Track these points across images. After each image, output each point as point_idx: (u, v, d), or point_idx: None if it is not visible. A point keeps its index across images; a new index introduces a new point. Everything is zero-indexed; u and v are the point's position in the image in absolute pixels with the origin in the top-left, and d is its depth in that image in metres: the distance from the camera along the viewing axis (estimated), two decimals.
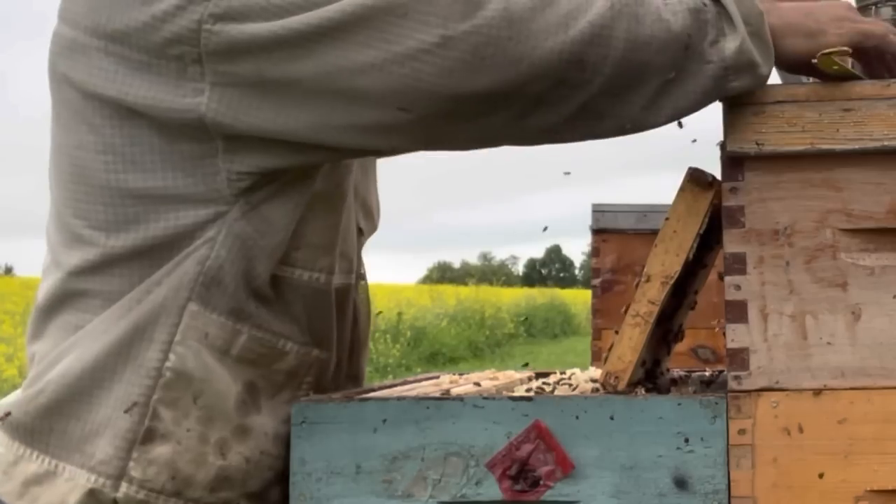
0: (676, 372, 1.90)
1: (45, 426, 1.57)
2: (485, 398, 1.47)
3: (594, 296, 4.98)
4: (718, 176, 1.49)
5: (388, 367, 14.20)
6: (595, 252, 4.99)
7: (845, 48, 1.47)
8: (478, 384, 1.75)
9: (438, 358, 16.84)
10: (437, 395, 1.55)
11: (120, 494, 1.52)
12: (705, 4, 1.46)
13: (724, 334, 1.47)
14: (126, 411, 1.52)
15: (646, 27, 1.43)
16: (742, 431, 1.43)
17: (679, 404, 1.44)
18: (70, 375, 1.56)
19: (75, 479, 1.53)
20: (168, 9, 1.48)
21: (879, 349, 1.43)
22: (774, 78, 1.79)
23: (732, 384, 1.44)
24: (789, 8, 1.52)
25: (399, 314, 17.34)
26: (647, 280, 1.51)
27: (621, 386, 1.50)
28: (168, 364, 1.53)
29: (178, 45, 1.48)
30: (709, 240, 1.59)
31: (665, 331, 1.70)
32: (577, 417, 1.45)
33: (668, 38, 1.43)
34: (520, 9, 1.40)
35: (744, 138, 1.45)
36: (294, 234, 1.57)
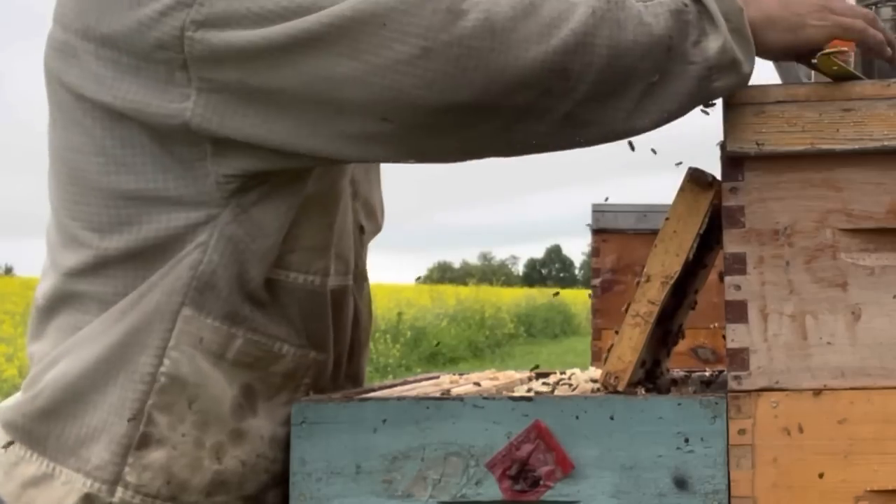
0: (676, 372, 1.90)
1: (43, 429, 1.57)
2: (485, 398, 1.47)
3: (594, 296, 4.97)
4: (718, 176, 1.49)
5: (388, 367, 14.20)
6: (595, 252, 4.99)
7: (845, 48, 1.47)
8: (478, 384, 1.75)
9: (438, 358, 16.84)
10: (437, 395, 1.55)
11: (116, 499, 1.52)
12: (686, 5, 1.44)
13: (723, 335, 1.47)
14: (129, 420, 1.52)
15: (628, 32, 1.42)
16: (742, 431, 1.43)
17: (679, 404, 1.44)
18: (65, 380, 1.56)
19: (72, 483, 1.53)
20: (153, 14, 1.47)
21: (879, 349, 1.43)
22: (774, 78, 1.79)
23: (732, 384, 1.44)
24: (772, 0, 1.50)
25: (399, 314, 17.34)
26: (647, 280, 1.51)
27: (621, 386, 1.50)
28: (162, 369, 1.53)
29: (164, 51, 1.48)
30: (709, 240, 1.59)
31: (665, 331, 1.70)
32: (577, 417, 1.45)
33: (651, 42, 1.42)
34: (501, 18, 1.39)
35: (744, 138, 1.45)
36: (288, 236, 1.57)
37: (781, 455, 1.42)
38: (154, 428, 1.52)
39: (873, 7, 1.72)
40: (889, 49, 1.54)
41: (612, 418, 1.45)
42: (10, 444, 1.58)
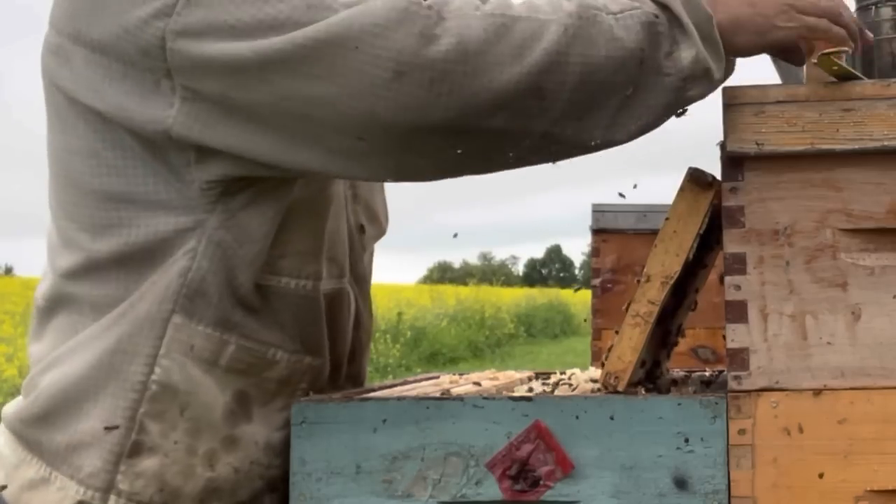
0: (676, 372, 1.90)
1: (38, 434, 1.58)
2: (485, 398, 1.47)
3: (594, 296, 4.97)
4: (718, 176, 1.49)
5: (388, 367, 14.20)
6: (595, 252, 4.99)
7: (845, 49, 1.47)
8: (478, 384, 1.75)
9: (438, 358, 16.83)
10: (437, 395, 1.55)
11: None
12: (657, 16, 1.44)
13: (723, 335, 1.47)
14: (107, 429, 1.52)
15: (600, 48, 1.41)
16: (742, 431, 1.43)
17: (679, 404, 1.44)
18: (58, 387, 1.57)
19: (66, 490, 1.54)
20: (137, 21, 1.47)
21: (879, 349, 1.43)
22: (774, 78, 1.79)
23: (732, 384, 1.44)
24: (737, 0, 1.49)
25: (399, 314, 17.33)
26: (647, 280, 1.51)
27: (621, 386, 1.50)
28: (153, 377, 1.53)
29: (149, 59, 1.48)
30: (709, 240, 1.59)
31: (665, 331, 1.70)
32: (577, 417, 1.45)
33: (623, 56, 1.41)
34: (474, 40, 1.38)
35: (744, 138, 1.45)
36: (278, 241, 1.57)
37: (781, 455, 1.42)
38: (146, 436, 1.52)
39: (873, 7, 1.72)
40: (852, 43, 1.52)
41: (612, 418, 1.45)
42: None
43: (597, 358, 4.58)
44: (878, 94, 1.44)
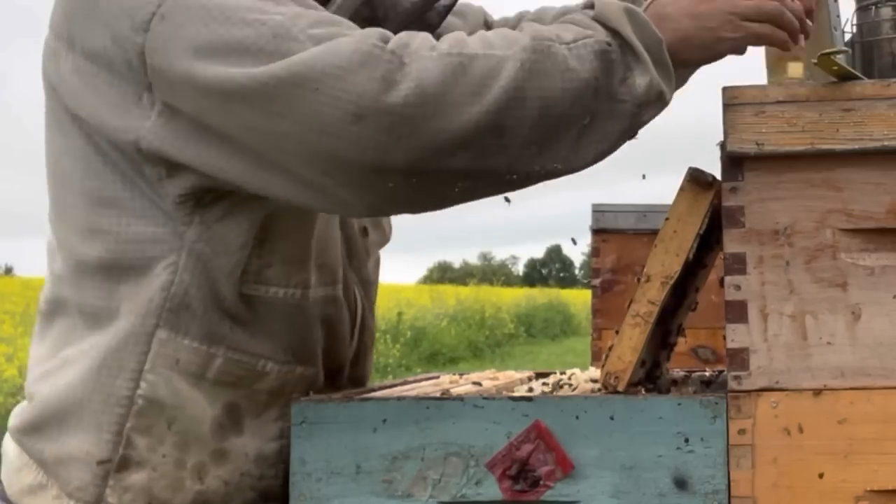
0: (676, 372, 1.90)
1: (33, 443, 1.60)
2: (485, 398, 1.47)
3: (594, 296, 4.97)
4: (718, 176, 1.49)
5: (388, 367, 14.19)
6: (595, 252, 4.99)
7: (845, 49, 1.47)
8: (478, 384, 1.75)
9: (438, 358, 16.83)
10: (437, 395, 1.55)
11: None
12: (609, 44, 1.44)
13: (724, 335, 1.47)
14: (108, 443, 1.53)
15: (556, 81, 1.41)
16: (742, 431, 1.43)
17: (679, 404, 1.44)
18: (48, 399, 1.59)
19: (61, 499, 1.56)
20: (124, 34, 1.48)
21: (879, 349, 1.43)
22: None
23: (732, 384, 1.44)
24: (681, 14, 1.50)
25: (399, 314, 17.33)
26: (647, 280, 1.51)
27: (621, 386, 1.50)
28: (139, 392, 1.53)
29: (133, 72, 1.49)
30: (709, 240, 1.59)
31: (665, 331, 1.70)
32: (577, 417, 1.45)
33: (579, 87, 1.42)
34: (433, 83, 1.37)
35: (744, 138, 1.45)
36: (264, 251, 1.56)
37: (781, 455, 1.42)
38: (133, 450, 1.53)
39: (873, 7, 1.72)
40: (793, 43, 1.53)
41: (612, 418, 1.45)
42: None
43: (597, 358, 4.58)
44: (878, 94, 1.44)
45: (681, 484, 1.43)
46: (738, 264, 1.45)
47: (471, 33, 1.47)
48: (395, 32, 1.57)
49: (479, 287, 28.84)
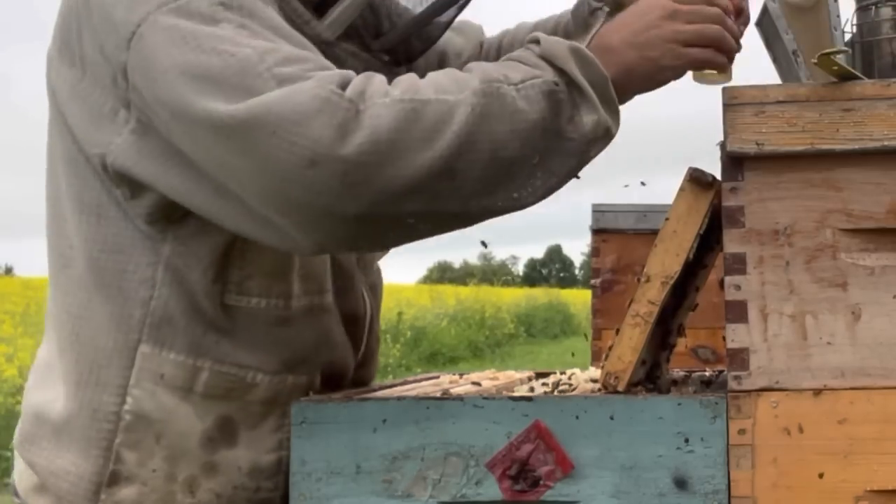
0: (676, 372, 1.90)
1: (30, 456, 1.62)
2: (485, 398, 1.47)
3: (594, 296, 4.97)
4: (718, 176, 1.49)
5: (388, 367, 14.19)
6: (595, 252, 4.98)
7: (845, 49, 1.47)
8: (478, 384, 1.75)
9: (438, 358, 16.83)
10: (437, 395, 1.55)
11: None
12: (556, 83, 1.45)
13: (724, 335, 1.47)
14: (98, 459, 1.55)
15: (506, 124, 1.42)
16: (742, 431, 1.43)
17: (679, 404, 1.44)
18: (39, 413, 1.61)
19: None
20: (109, 48, 1.49)
21: (879, 349, 1.43)
22: (774, 78, 1.79)
23: (732, 384, 1.44)
24: (625, 45, 1.52)
25: (399, 314, 17.33)
26: (647, 280, 1.51)
27: (621, 386, 1.50)
28: (126, 407, 1.54)
29: (116, 87, 1.49)
30: (709, 240, 1.59)
31: (665, 331, 1.69)
32: (577, 417, 1.45)
33: (528, 128, 1.43)
34: (385, 130, 1.37)
35: (744, 138, 1.45)
36: (245, 262, 1.57)
37: (781, 455, 1.42)
38: (122, 465, 1.54)
39: (873, 7, 1.72)
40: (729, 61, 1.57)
41: (612, 418, 1.44)
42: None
43: (597, 358, 4.58)
44: (878, 94, 1.44)
45: (681, 484, 1.43)
46: (738, 264, 1.45)
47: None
48: (398, 43, 1.59)
49: (479, 287, 28.83)
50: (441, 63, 1.88)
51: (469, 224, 1.48)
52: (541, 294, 30.73)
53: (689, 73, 1.58)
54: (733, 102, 1.46)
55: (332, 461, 1.48)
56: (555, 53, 1.46)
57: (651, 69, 1.52)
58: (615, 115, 1.49)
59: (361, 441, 1.48)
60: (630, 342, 1.51)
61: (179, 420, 1.55)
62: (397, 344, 15.94)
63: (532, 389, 1.72)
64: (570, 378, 1.78)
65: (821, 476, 1.42)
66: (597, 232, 4.98)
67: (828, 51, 1.44)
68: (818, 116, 1.44)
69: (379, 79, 1.42)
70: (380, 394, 1.61)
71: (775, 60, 1.96)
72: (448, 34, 1.81)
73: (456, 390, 1.64)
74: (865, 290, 1.44)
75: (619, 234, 4.93)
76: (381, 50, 1.67)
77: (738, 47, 1.57)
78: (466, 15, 1.76)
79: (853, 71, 1.48)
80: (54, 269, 1.62)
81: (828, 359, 1.43)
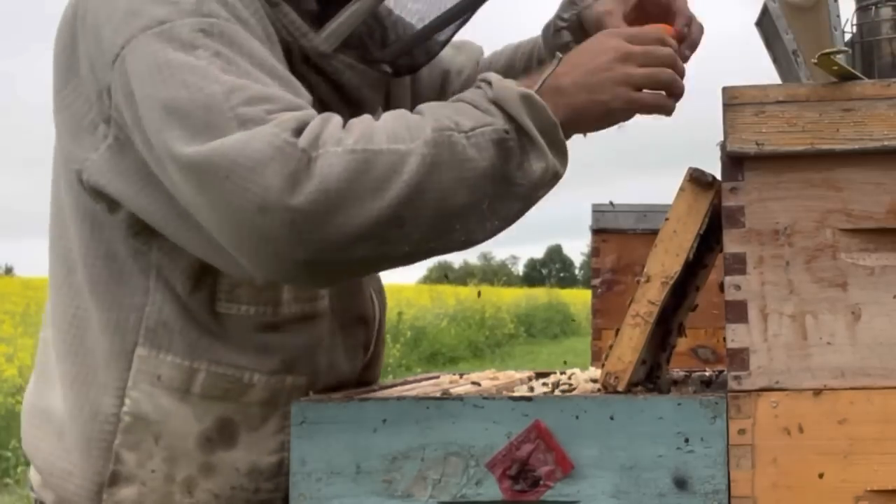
0: (676, 372, 1.90)
1: (31, 454, 1.64)
2: (485, 398, 1.47)
3: (594, 296, 4.97)
4: (718, 176, 1.49)
5: (388, 367, 14.19)
6: (595, 252, 4.98)
7: (845, 49, 1.47)
8: (478, 384, 1.75)
9: (438, 358, 16.83)
10: (437, 395, 1.55)
11: None
12: (507, 131, 1.46)
13: (724, 335, 1.47)
14: (98, 460, 1.56)
15: (455, 171, 1.43)
16: (742, 431, 1.43)
17: (679, 404, 1.44)
18: (37, 419, 1.63)
19: None
20: (97, 66, 1.50)
21: (879, 349, 1.43)
22: (774, 77, 1.79)
23: (732, 384, 1.44)
24: (576, 87, 1.53)
25: (399, 314, 17.33)
26: (647, 280, 1.51)
27: (621, 386, 1.50)
28: (125, 409, 1.56)
29: (100, 102, 1.51)
30: (709, 240, 1.59)
31: (665, 331, 1.69)
32: (577, 417, 1.45)
33: (477, 176, 1.44)
34: (336, 180, 1.38)
35: (744, 138, 1.45)
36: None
37: (781, 455, 1.42)
38: (122, 466, 1.55)
39: (873, 7, 1.72)
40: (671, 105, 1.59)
41: (612, 418, 1.44)
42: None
43: (597, 358, 4.58)
44: (878, 94, 1.44)
45: (681, 484, 1.43)
46: (738, 264, 1.45)
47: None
48: (399, 56, 1.61)
49: (479, 287, 28.82)
50: (444, 79, 1.93)
51: (418, 261, 1.50)
52: (541, 294, 30.73)
53: None
54: (733, 102, 1.46)
55: (332, 461, 1.48)
56: (506, 99, 1.48)
57: (600, 112, 1.54)
58: (563, 157, 1.51)
59: (361, 441, 1.48)
60: (630, 342, 1.51)
61: (177, 421, 1.56)
62: (397, 344, 15.94)
63: (532, 389, 1.72)
64: (570, 378, 1.78)
65: (821, 476, 1.42)
66: (597, 232, 4.98)
67: (828, 51, 1.44)
68: (818, 116, 1.44)
69: (335, 123, 1.43)
70: (380, 394, 1.61)
71: (775, 60, 1.96)
72: (451, 52, 1.85)
73: (456, 390, 1.65)
74: (865, 290, 1.44)
75: (619, 234, 4.93)
76: (384, 61, 1.68)
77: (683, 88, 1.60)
78: (467, 34, 1.79)
79: (853, 71, 1.48)
80: (58, 272, 1.63)
81: (828, 359, 1.43)
